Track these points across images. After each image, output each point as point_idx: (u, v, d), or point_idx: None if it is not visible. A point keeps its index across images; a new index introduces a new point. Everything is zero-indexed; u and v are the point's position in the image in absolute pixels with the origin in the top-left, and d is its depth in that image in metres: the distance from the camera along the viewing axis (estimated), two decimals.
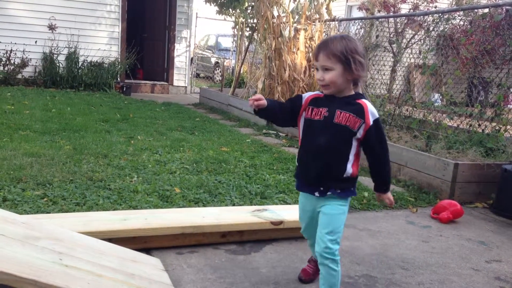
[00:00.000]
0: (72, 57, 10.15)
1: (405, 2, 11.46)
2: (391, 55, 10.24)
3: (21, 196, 3.38)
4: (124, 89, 10.50)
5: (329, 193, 2.16)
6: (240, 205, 3.70)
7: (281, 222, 3.09)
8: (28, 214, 3.04)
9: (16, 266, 1.83)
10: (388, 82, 9.35)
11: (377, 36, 8.68)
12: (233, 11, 11.70)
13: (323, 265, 2.15)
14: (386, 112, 6.79)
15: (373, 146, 2.13)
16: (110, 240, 2.65)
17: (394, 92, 8.97)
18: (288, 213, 3.25)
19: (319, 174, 2.16)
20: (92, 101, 8.65)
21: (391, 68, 9.66)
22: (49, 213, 3.11)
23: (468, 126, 5.58)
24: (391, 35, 10.27)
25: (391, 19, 9.51)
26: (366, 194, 4.29)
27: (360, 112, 2.07)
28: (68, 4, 10.29)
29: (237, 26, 10.83)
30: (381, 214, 3.94)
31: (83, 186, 3.75)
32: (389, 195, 2.27)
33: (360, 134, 2.10)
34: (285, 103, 2.27)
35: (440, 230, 3.66)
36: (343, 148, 2.12)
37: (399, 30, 10.55)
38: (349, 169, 2.14)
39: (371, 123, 2.07)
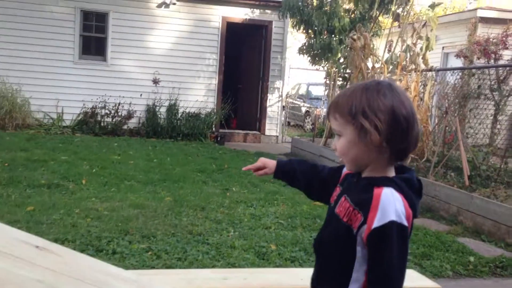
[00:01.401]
0: (172, 109, 10.80)
1: (507, 48, 10.92)
2: (492, 103, 9.73)
3: (128, 248, 3.59)
4: (218, 139, 10.91)
5: None
6: None
7: None
8: (134, 267, 3.20)
9: None
10: (490, 133, 8.86)
11: (478, 87, 8.31)
12: (326, 62, 11.87)
13: None
14: (490, 167, 6.39)
15: (369, 264, 1.31)
16: None
17: (497, 143, 8.46)
18: None
19: (317, 276, 1.50)
20: (189, 151, 9.06)
21: (493, 119, 9.15)
22: (154, 267, 3.26)
23: None
24: (493, 83, 9.80)
25: None
26: (472, 258, 4.01)
27: (366, 204, 1.29)
28: (171, 59, 11.05)
29: (329, 76, 10.93)
30: (489, 282, 3.65)
31: (183, 240, 3.89)
32: None
33: (361, 237, 1.31)
34: (324, 170, 1.66)
35: None
36: (342, 254, 1.36)
37: (501, 78, 10.04)
38: None
39: (374, 225, 1.26)
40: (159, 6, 10.97)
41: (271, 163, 1.66)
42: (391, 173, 1.37)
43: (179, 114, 10.89)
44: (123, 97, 10.62)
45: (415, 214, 1.31)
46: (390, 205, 1.27)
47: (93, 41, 10.93)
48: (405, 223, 1.26)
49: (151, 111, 10.73)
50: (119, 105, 10.52)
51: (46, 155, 7.08)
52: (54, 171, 6.12)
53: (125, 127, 10.60)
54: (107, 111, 10.44)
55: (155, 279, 2.72)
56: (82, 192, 5.21)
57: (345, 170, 1.52)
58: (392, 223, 1.25)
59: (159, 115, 10.75)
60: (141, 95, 10.78)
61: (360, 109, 1.32)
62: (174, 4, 10.95)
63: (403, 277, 1.29)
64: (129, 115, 10.61)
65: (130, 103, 10.63)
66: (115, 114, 10.47)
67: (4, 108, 9.41)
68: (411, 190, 1.33)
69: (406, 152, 1.35)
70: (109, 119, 10.46)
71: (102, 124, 10.39)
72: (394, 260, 1.26)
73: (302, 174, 1.65)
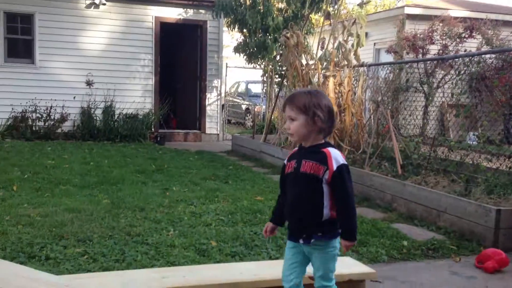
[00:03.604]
0: (108, 111, 10.52)
1: (433, 43, 11.49)
2: (423, 96, 10.22)
3: (62, 254, 3.45)
4: (158, 139, 10.74)
5: (312, 240, 2.29)
6: (277, 257, 3.67)
7: None
8: (69, 273, 3.09)
9: None
10: (421, 124, 9.29)
11: (407, 80, 8.67)
12: (262, 60, 11.98)
13: None
14: (421, 155, 6.69)
15: (336, 191, 2.25)
16: None
17: (428, 133, 8.88)
18: None
19: (299, 223, 2.33)
20: (128, 152, 8.86)
21: (423, 110, 9.60)
22: (90, 271, 3.16)
23: (508, 168, 5.44)
24: (421, 76, 10.28)
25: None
26: (405, 243, 4.19)
27: (324, 159, 2.23)
28: (105, 60, 10.76)
29: (266, 74, 11.05)
30: (422, 264, 3.82)
31: (121, 241, 3.80)
32: (346, 243, 2.26)
33: (326, 179, 2.24)
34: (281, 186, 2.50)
35: (486, 280, 3.52)
36: (315, 195, 2.26)
37: (430, 71, 10.55)
38: (327, 213, 2.27)
39: (334, 168, 2.22)
40: (88, 6, 10.66)
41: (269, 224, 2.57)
42: (323, 141, 2.32)
43: (116, 116, 10.64)
44: (55, 100, 10.22)
45: None
46: (337, 155, 2.25)
47: (20, 43, 10.44)
48: (346, 163, 2.26)
49: (86, 113, 10.41)
50: (51, 108, 10.11)
51: None
52: None
53: (59, 130, 10.21)
54: (38, 115, 10.02)
55: (89, 282, 2.64)
56: (13, 199, 4.97)
57: (287, 157, 2.45)
58: (343, 164, 2.24)
59: (95, 117, 10.45)
60: (74, 97, 10.42)
61: (312, 105, 2.25)
62: (104, 4, 10.67)
63: (354, 194, 2.28)
64: (63, 118, 10.22)
65: (63, 106, 10.24)
66: (47, 118, 10.06)
67: None
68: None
69: (332, 130, 2.42)
70: (41, 123, 10.04)
71: (34, 129, 9.96)
72: (349, 184, 2.24)
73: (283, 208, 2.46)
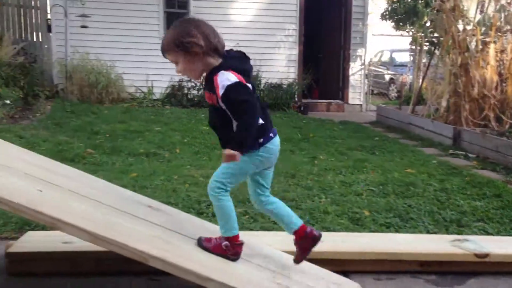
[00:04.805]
0: (255, 80, 10.92)
1: None
2: None
3: None
4: (302, 109, 10.90)
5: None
6: (435, 232, 3.56)
7: (486, 255, 2.88)
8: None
9: (246, 283, 2.05)
10: None
11: None
12: (411, 27, 11.38)
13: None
14: None
15: (230, 112, 2.22)
16: (308, 261, 2.77)
17: None
18: (494, 245, 3.03)
19: (222, 142, 2.35)
20: (274, 121, 8.99)
21: None
22: (252, 230, 3.38)
23: None
24: None
25: None
26: None
27: (212, 88, 2.19)
28: (251, 31, 11.11)
29: (416, 42, 10.49)
30: None
31: None
32: (229, 151, 2.19)
33: (221, 105, 2.21)
34: None
35: None
36: (223, 119, 2.26)
37: None
38: None
39: (221, 95, 2.16)
40: None
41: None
42: (219, 61, 2.24)
43: (262, 85, 10.99)
44: None
45: (246, 71, 2.29)
46: (223, 79, 2.16)
47: (177, 17, 11.21)
48: (236, 80, 2.16)
49: None
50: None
51: (141, 127, 7.49)
52: (150, 141, 6.47)
53: None
54: (193, 84, 10.78)
55: (261, 240, 2.83)
56: (177, 160, 5.47)
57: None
58: (228, 86, 2.14)
59: None
60: None
61: (179, 37, 2.16)
62: None
63: (253, 108, 2.19)
64: None
65: None
66: (201, 86, 10.77)
67: (101, 83, 9.99)
68: (236, 60, 2.27)
69: (219, 47, 2.24)
70: (195, 92, 10.80)
71: (189, 97, 10.77)
72: (239, 102, 2.16)
73: None
